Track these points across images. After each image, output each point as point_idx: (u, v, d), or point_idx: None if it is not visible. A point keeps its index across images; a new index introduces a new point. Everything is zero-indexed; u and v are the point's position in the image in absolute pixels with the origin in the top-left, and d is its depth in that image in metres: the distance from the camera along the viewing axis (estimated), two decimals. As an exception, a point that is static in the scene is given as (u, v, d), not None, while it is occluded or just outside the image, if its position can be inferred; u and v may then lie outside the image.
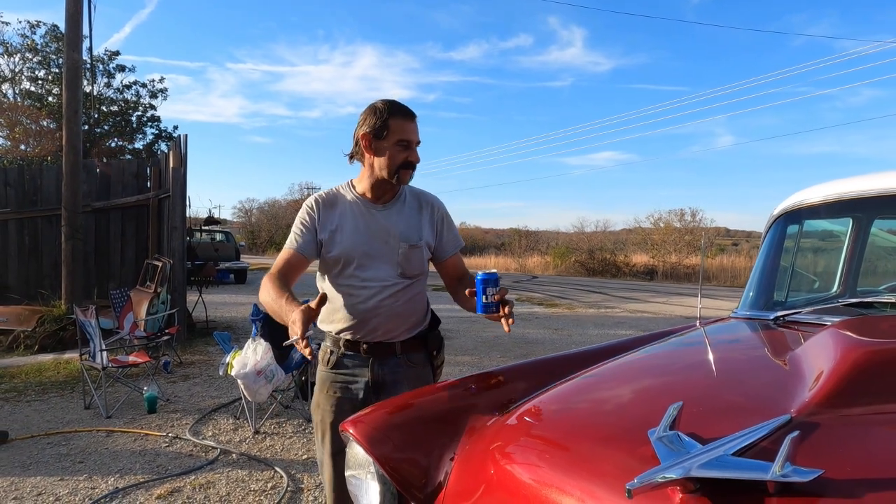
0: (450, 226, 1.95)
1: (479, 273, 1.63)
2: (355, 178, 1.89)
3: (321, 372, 1.87)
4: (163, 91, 19.50)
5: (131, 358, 5.04)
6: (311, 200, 1.87)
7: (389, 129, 1.74)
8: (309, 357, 1.41)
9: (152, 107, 19.40)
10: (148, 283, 7.34)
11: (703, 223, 26.00)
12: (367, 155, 1.79)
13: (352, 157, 1.85)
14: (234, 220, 50.87)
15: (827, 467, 0.75)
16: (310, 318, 1.45)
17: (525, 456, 1.12)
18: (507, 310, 1.60)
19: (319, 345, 1.85)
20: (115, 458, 3.60)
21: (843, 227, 2.47)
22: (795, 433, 0.80)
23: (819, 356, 1.10)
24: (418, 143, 1.80)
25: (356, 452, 1.34)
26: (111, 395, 4.80)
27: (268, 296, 1.65)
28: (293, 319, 1.45)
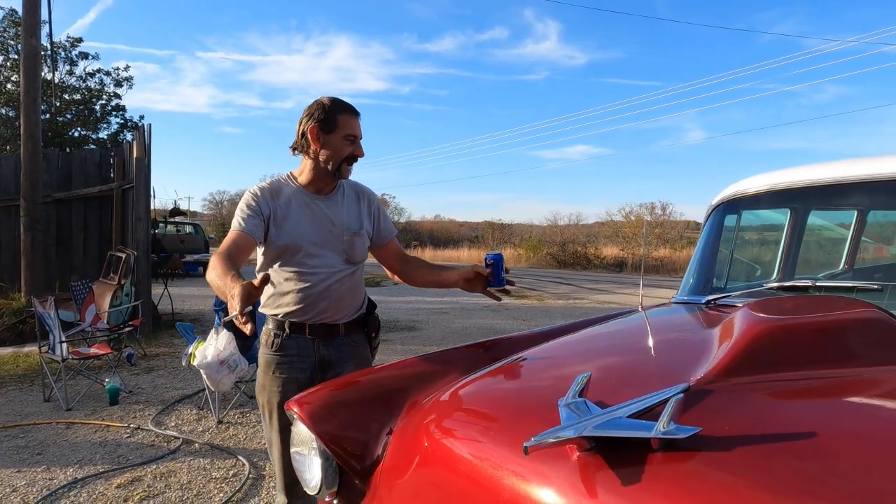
0: (385, 214, 2.09)
1: (493, 253, 1.89)
2: (295, 171, 1.96)
3: (265, 355, 1.94)
4: (128, 79, 19.06)
5: (93, 350, 4.98)
6: (254, 189, 1.92)
7: (337, 124, 1.83)
8: (248, 333, 1.38)
9: (117, 95, 18.94)
10: (111, 274, 7.22)
11: (673, 216, 26.58)
12: (313, 147, 1.86)
13: (295, 149, 1.92)
14: (205, 212, 49.98)
15: (706, 426, 0.83)
16: (250, 294, 1.41)
17: (455, 429, 1.19)
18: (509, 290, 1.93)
19: (253, 318, 1.74)
20: (74, 450, 3.58)
21: (782, 216, 2.58)
22: (680, 396, 0.88)
23: (727, 332, 1.19)
24: (361, 138, 1.91)
25: (300, 430, 1.40)
26: (72, 387, 4.74)
27: (213, 273, 1.60)
28: (233, 294, 1.42)
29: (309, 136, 1.85)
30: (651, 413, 0.89)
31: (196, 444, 3.67)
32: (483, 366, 1.48)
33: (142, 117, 19.25)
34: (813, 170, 2.15)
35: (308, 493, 1.41)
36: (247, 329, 1.38)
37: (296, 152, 1.93)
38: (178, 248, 13.06)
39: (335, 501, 1.38)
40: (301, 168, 1.94)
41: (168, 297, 8.04)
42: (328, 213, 1.90)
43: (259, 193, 1.89)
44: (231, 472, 3.27)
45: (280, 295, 1.89)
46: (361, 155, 1.90)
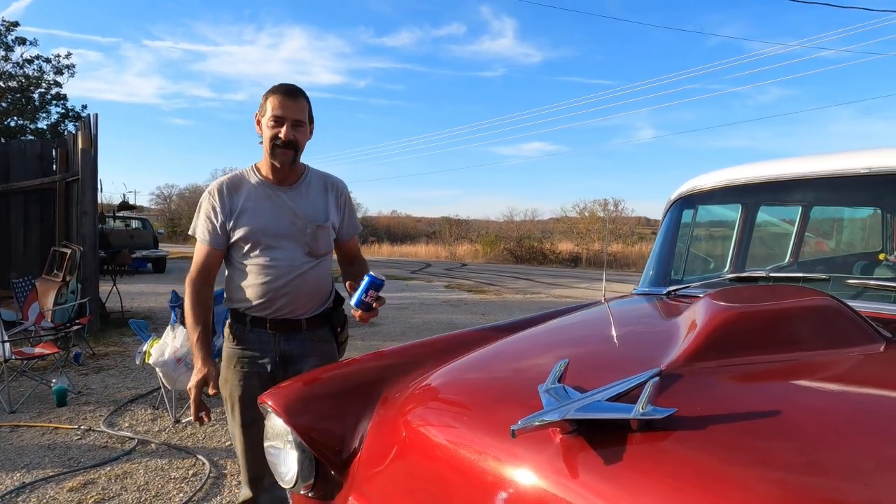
0: (351, 210, 2.03)
1: (372, 274, 1.77)
2: (259, 162, 1.94)
3: (228, 348, 1.93)
4: (69, 67, 18.17)
5: (38, 349, 4.75)
6: (212, 188, 1.90)
7: (266, 108, 1.81)
8: (205, 421, 1.88)
9: (57, 84, 18.04)
10: (55, 271, 6.91)
11: (625, 213, 27.24)
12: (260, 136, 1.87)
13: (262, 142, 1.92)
14: (152, 206, 48.10)
15: (681, 407, 0.88)
16: (202, 390, 1.83)
17: (435, 416, 1.21)
18: (371, 316, 1.79)
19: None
20: (20, 454, 3.42)
21: (734, 213, 2.70)
22: (656, 380, 0.92)
23: (692, 320, 1.25)
24: (297, 121, 1.81)
25: (274, 423, 1.39)
26: (15, 389, 4.52)
27: (187, 312, 1.88)
28: (189, 387, 1.85)
29: (255, 125, 1.88)
30: (628, 396, 0.94)
31: (152, 445, 3.56)
32: (456, 357, 1.50)
33: (84, 107, 18.43)
34: (763, 167, 2.26)
35: (283, 486, 1.41)
36: (203, 419, 1.87)
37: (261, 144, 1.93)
38: (127, 243, 12.54)
39: (310, 494, 1.38)
40: (263, 159, 1.92)
41: (117, 294, 7.74)
42: (291, 205, 1.87)
43: (216, 196, 1.88)
44: (191, 472, 3.19)
45: (241, 288, 1.88)
46: (288, 138, 1.78)
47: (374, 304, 1.75)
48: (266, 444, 1.42)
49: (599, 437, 0.86)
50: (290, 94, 1.80)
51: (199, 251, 1.90)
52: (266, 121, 1.80)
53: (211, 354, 1.89)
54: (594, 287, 14.20)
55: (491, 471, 0.95)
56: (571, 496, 0.82)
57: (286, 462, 1.37)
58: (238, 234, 1.84)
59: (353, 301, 1.76)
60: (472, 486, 0.97)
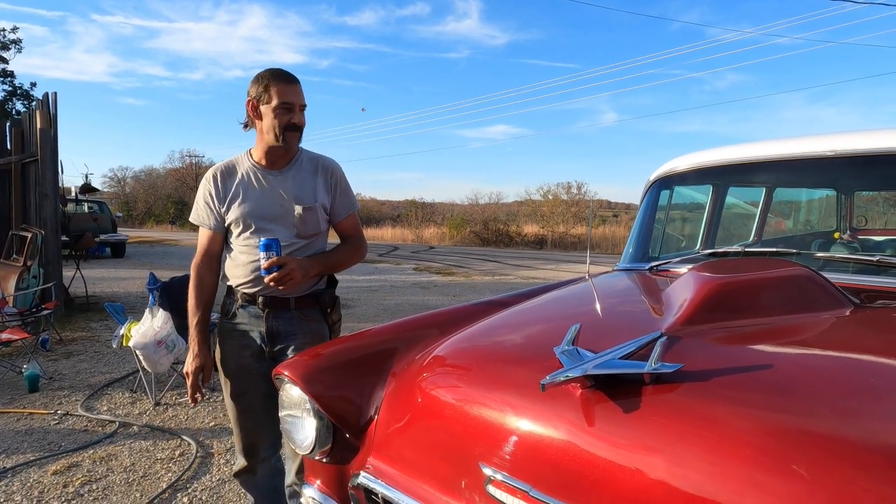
0: (344, 190, 2.05)
1: (261, 240, 1.82)
2: (253, 147, 1.99)
3: (222, 323, 2.03)
4: (16, 42, 17.31)
5: (5, 335, 4.64)
6: (209, 174, 1.99)
7: (271, 94, 1.86)
8: (199, 400, 2.00)
9: (3, 60, 17.18)
10: (14, 255, 6.70)
11: (588, 195, 27.72)
12: (255, 122, 1.91)
13: (246, 125, 1.97)
14: (105, 189, 46.38)
15: (685, 362, 0.99)
16: (199, 374, 1.96)
17: (449, 382, 1.29)
18: (277, 276, 1.81)
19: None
20: (-3, 439, 3.37)
21: (705, 193, 2.85)
22: (664, 340, 1.03)
23: (682, 290, 1.36)
24: (303, 106, 1.91)
25: (290, 393, 1.45)
26: (-17, 375, 4.41)
27: (189, 297, 1.97)
28: (186, 372, 1.96)
29: (249, 111, 1.91)
30: (637, 355, 1.04)
31: (134, 427, 3.56)
32: (461, 328, 1.59)
33: (34, 84, 17.62)
34: (734, 150, 2.40)
35: (299, 453, 1.47)
36: (200, 398, 2.01)
37: (247, 129, 1.98)
38: (91, 227, 12.15)
39: (325, 460, 1.45)
40: (255, 144, 1.97)
41: (82, 279, 7.54)
42: (279, 188, 1.93)
43: (211, 181, 1.96)
44: (177, 452, 3.21)
45: (235, 266, 1.96)
46: (301, 123, 1.89)
47: (265, 265, 1.80)
48: (282, 413, 1.48)
49: (616, 391, 0.96)
50: (293, 81, 1.89)
51: (201, 235, 2.00)
52: (273, 108, 1.85)
53: (208, 341, 1.98)
54: (560, 269, 14.49)
55: (514, 423, 1.04)
56: (594, 442, 0.92)
57: (303, 430, 1.43)
58: (230, 217, 1.93)
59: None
60: (494, 438, 1.06)
